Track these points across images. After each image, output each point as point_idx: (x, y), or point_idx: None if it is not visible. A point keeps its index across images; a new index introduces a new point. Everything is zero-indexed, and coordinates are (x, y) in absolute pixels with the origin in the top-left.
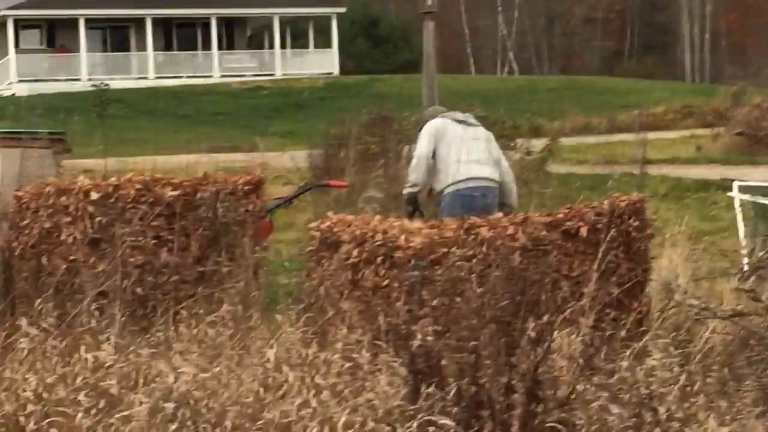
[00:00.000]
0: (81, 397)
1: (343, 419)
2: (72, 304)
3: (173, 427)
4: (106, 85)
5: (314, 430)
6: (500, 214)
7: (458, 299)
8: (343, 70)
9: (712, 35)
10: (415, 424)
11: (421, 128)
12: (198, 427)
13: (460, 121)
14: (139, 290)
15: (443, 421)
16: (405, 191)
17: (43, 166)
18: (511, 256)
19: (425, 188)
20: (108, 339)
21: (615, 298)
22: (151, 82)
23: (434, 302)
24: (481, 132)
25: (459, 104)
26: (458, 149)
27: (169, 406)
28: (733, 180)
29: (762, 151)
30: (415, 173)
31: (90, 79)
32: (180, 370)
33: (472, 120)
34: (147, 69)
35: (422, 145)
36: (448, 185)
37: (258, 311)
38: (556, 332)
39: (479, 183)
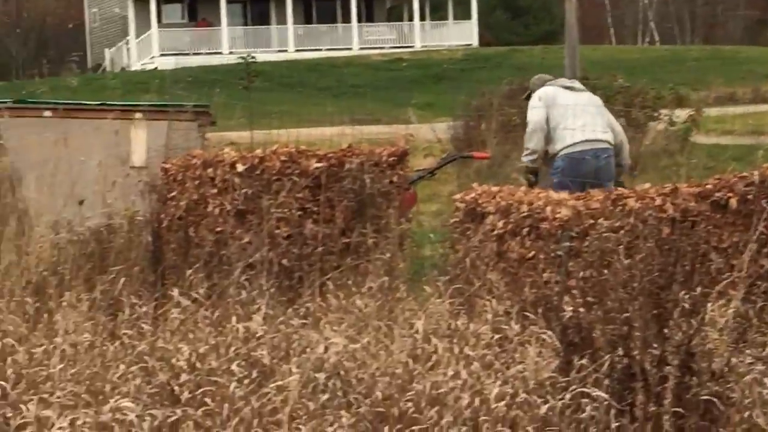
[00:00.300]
0: (234, 367)
1: (495, 391)
2: (219, 276)
3: (325, 397)
4: (253, 57)
5: (465, 401)
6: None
7: (606, 271)
8: (482, 41)
9: None
10: (567, 396)
11: (528, 96)
12: (348, 397)
13: (567, 87)
14: (285, 262)
15: (597, 393)
16: (525, 159)
17: (188, 138)
18: (659, 228)
19: (541, 155)
20: (258, 309)
21: (766, 270)
22: (291, 55)
23: (582, 274)
24: (590, 97)
25: (602, 74)
26: (569, 114)
27: (321, 376)
28: None
29: None
30: (532, 141)
31: (231, 53)
32: (330, 341)
33: (579, 85)
34: (287, 42)
35: (535, 113)
36: (562, 149)
37: (404, 283)
38: (712, 305)
39: (592, 146)
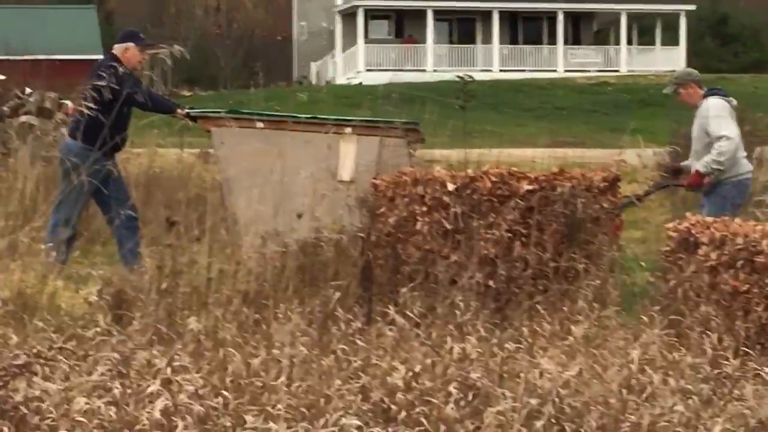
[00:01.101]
0: (450, 388)
1: (718, 429)
2: (425, 293)
3: (539, 423)
4: (470, 77)
5: None
6: None
7: None
8: (690, 62)
9: None
10: None
11: (675, 90)
12: (562, 425)
13: (733, 106)
14: (492, 283)
15: None
16: (706, 170)
17: (397, 155)
18: None
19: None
20: (475, 331)
21: None
22: (495, 75)
23: None
24: None
25: None
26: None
27: (534, 402)
28: None
29: None
30: (727, 156)
31: (435, 70)
32: (543, 367)
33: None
34: (492, 62)
35: (733, 128)
36: (740, 173)
37: (614, 310)
38: None
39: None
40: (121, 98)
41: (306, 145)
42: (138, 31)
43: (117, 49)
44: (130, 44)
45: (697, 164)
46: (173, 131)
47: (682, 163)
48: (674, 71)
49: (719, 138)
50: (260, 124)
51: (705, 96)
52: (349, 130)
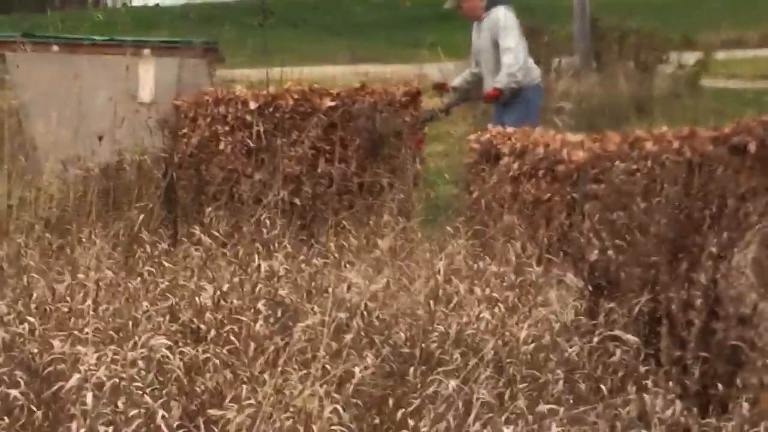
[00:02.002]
0: (259, 305)
1: (523, 333)
2: (230, 213)
3: (348, 336)
4: None
5: (490, 343)
6: None
7: (621, 213)
8: None
9: None
10: (595, 339)
11: (459, 5)
12: (371, 337)
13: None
14: (297, 201)
15: (627, 336)
16: (505, 85)
17: (197, 75)
18: (677, 172)
19: None
20: (282, 248)
21: None
22: None
23: (596, 217)
24: None
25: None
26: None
27: (343, 316)
28: None
29: None
30: (517, 67)
31: None
32: (350, 281)
33: None
34: None
35: (518, 36)
36: (535, 77)
37: (419, 222)
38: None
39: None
40: None
41: (104, 68)
42: None
43: None
44: None
45: (492, 81)
46: None
47: (454, 81)
48: None
49: (509, 50)
50: (56, 48)
51: (489, 6)
52: (147, 51)
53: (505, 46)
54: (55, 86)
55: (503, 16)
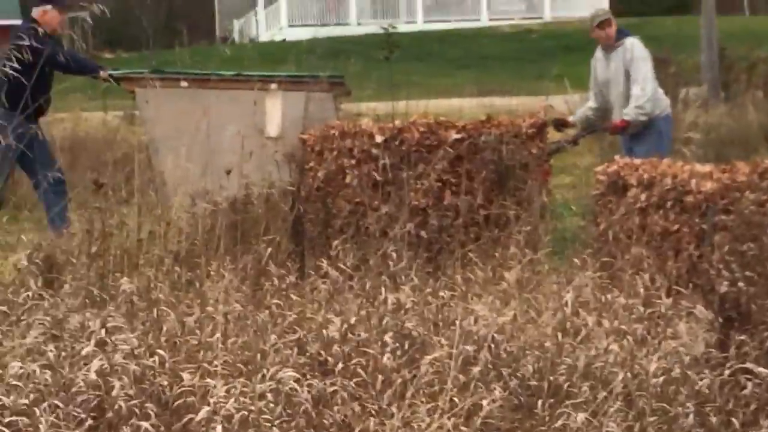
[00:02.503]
0: (386, 338)
1: (653, 367)
2: (357, 246)
3: (476, 369)
4: (394, 27)
5: (620, 376)
6: None
7: (752, 245)
8: (614, 12)
9: None
10: (726, 372)
11: (601, 24)
12: (499, 370)
13: None
14: (423, 233)
15: (759, 369)
16: (633, 118)
17: (324, 109)
18: None
19: None
20: (409, 280)
21: None
22: (419, 26)
23: (726, 248)
24: None
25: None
26: None
27: (470, 348)
28: None
29: None
30: (645, 98)
31: (359, 24)
32: (477, 313)
33: None
34: (415, 13)
35: (650, 67)
36: (666, 108)
37: (546, 255)
38: None
39: None
40: (42, 61)
41: (232, 103)
42: None
43: (36, 12)
44: (48, 6)
45: (626, 112)
46: (97, 94)
47: (576, 114)
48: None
49: (639, 81)
50: (184, 83)
51: (619, 36)
52: (274, 85)
53: (636, 77)
54: (183, 121)
55: (638, 45)
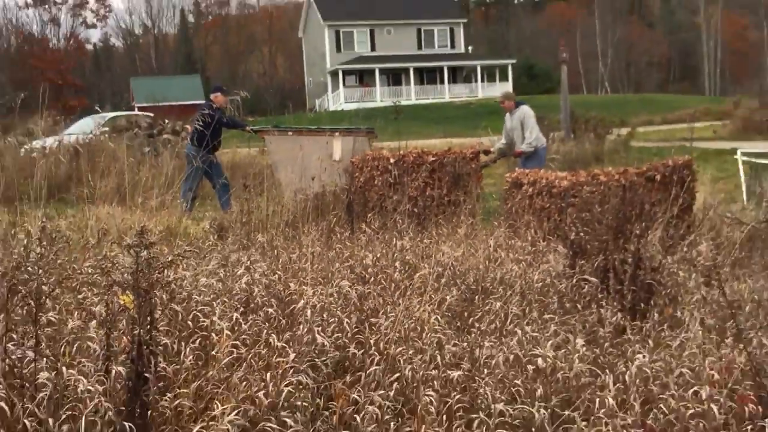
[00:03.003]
0: (396, 264)
1: (536, 276)
2: (382, 217)
3: (443, 280)
4: (399, 102)
5: (518, 280)
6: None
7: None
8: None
9: (721, 71)
10: (574, 280)
11: (507, 98)
12: (457, 279)
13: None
14: (416, 210)
15: (591, 279)
16: (525, 150)
17: (364, 145)
18: (619, 191)
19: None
20: (407, 235)
21: (676, 214)
22: (413, 102)
23: (574, 216)
24: None
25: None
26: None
27: (441, 270)
28: (736, 149)
29: (752, 133)
30: (533, 139)
31: (381, 101)
32: (443, 251)
33: None
34: (411, 94)
35: (534, 123)
36: (544, 144)
37: (480, 221)
38: (649, 232)
39: None
40: (215, 122)
41: (315, 143)
42: (222, 85)
43: (212, 95)
44: (219, 93)
45: (521, 146)
46: (244, 139)
47: (495, 146)
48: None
49: (532, 132)
50: (290, 132)
51: (517, 105)
52: (337, 134)
53: (526, 128)
54: (290, 153)
55: (527, 110)
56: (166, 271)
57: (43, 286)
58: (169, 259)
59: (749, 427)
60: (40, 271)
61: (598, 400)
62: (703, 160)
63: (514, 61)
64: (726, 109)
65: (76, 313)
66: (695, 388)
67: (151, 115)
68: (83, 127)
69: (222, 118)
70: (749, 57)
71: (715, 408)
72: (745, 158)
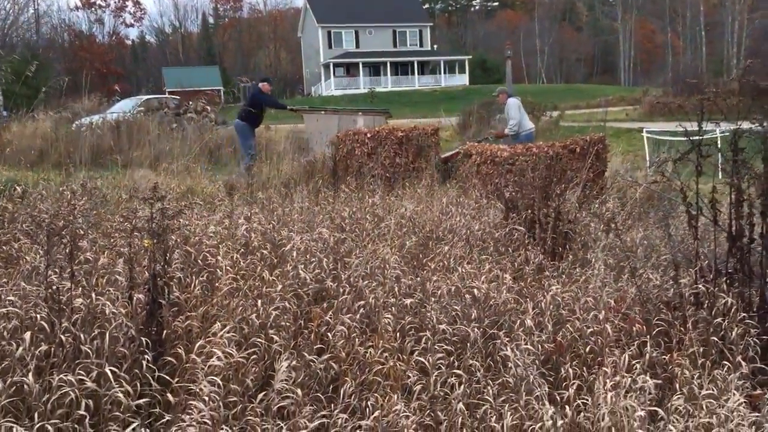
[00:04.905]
0: (367, 216)
1: (476, 226)
2: (360, 180)
3: (405, 229)
4: (374, 89)
5: (464, 230)
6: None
7: (522, 177)
8: (471, 82)
9: (634, 66)
10: (507, 229)
11: (501, 93)
12: (416, 229)
13: (520, 101)
14: (387, 174)
15: (521, 228)
16: (507, 132)
17: (380, 122)
18: (546, 160)
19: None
20: (377, 194)
21: (591, 178)
22: (389, 89)
23: (513, 180)
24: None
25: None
26: (524, 113)
27: (403, 221)
28: (642, 128)
29: (657, 116)
30: (513, 123)
31: (364, 88)
32: (406, 206)
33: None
34: (388, 83)
35: (518, 112)
36: (527, 129)
37: (437, 184)
38: (567, 192)
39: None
40: (263, 102)
41: (348, 119)
42: (269, 76)
43: (260, 84)
44: (266, 83)
45: (505, 130)
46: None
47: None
48: (465, 84)
49: (513, 119)
50: (323, 112)
51: (508, 97)
52: (360, 113)
53: (510, 117)
54: (321, 126)
55: (509, 103)
56: (176, 218)
57: (80, 230)
58: (178, 210)
59: (636, 343)
60: (79, 219)
61: (519, 321)
62: (616, 137)
63: (470, 57)
64: (637, 96)
65: (107, 252)
66: (594, 312)
67: (178, 98)
68: (123, 107)
69: (269, 100)
70: (656, 55)
71: (609, 328)
72: (649, 135)
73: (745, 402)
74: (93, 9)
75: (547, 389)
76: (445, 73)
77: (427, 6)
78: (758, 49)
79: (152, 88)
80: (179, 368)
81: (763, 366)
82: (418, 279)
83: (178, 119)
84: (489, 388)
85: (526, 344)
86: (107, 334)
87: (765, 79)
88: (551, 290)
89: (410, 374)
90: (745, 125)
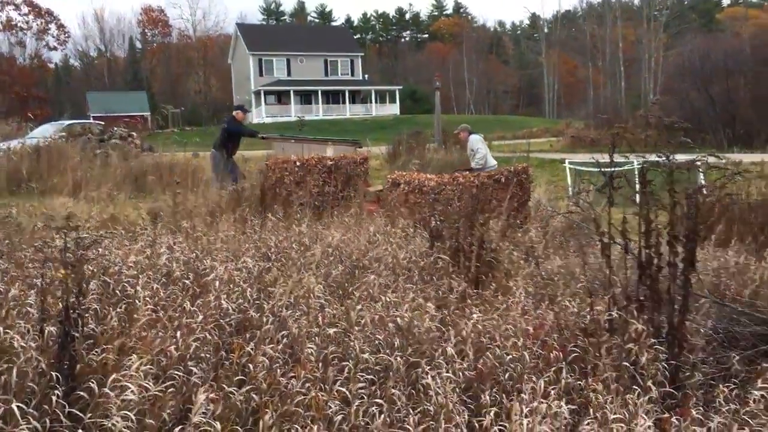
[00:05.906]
0: (294, 245)
1: (402, 255)
2: (288, 209)
3: (331, 258)
4: (303, 117)
5: (390, 258)
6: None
7: (449, 207)
8: (401, 112)
9: (558, 99)
10: (432, 257)
11: (464, 131)
12: (342, 257)
13: (480, 136)
14: (316, 203)
15: (445, 257)
16: (476, 166)
17: (348, 151)
18: (472, 190)
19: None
20: (304, 223)
21: (515, 208)
22: (320, 118)
23: (439, 209)
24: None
25: (450, 126)
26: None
27: (330, 249)
28: (565, 159)
29: (579, 147)
30: (479, 158)
31: (296, 117)
32: (334, 235)
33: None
34: (319, 112)
35: (482, 148)
36: (490, 165)
37: (365, 212)
38: (491, 222)
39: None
40: (237, 132)
41: (318, 147)
42: (242, 104)
43: (234, 113)
44: (240, 111)
45: (472, 164)
46: (181, 144)
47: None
48: (396, 114)
49: (477, 155)
50: (293, 140)
51: (470, 134)
52: (330, 143)
53: (473, 153)
54: (289, 151)
55: (471, 139)
56: (93, 248)
57: None
58: (93, 239)
59: (553, 369)
60: None
61: (440, 349)
62: (541, 168)
63: (400, 87)
64: (560, 128)
65: (18, 283)
66: (514, 339)
67: (102, 123)
68: (43, 132)
69: (242, 130)
70: (578, 89)
71: (527, 355)
72: (571, 166)
73: (654, 426)
74: (14, 31)
75: (466, 416)
76: (376, 102)
77: (358, 36)
78: (671, 85)
79: (73, 113)
80: (92, 403)
81: (672, 390)
82: (343, 308)
83: (102, 145)
84: (410, 416)
85: (447, 372)
86: (14, 368)
87: (671, 115)
88: (473, 318)
89: (332, 404)
90: (653, 158)
